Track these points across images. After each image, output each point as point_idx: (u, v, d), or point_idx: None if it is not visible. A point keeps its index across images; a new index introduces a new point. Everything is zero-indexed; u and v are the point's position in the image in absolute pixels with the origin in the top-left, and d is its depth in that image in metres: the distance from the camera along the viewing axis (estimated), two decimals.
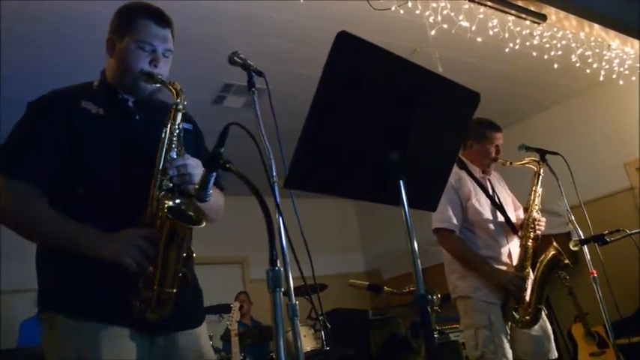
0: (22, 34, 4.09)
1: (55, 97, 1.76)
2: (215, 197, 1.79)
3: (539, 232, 3.10)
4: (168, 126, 1.71)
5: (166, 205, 1.58)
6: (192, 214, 1.61)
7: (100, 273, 1.59)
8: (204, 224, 1.62)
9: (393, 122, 1.48)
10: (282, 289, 1.24)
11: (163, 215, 1.58)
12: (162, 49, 1.80)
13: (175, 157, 1.69)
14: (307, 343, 4.72)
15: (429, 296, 3.15)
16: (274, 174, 1.67)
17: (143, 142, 1.73)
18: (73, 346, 1.58)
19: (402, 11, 4.09)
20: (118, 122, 1.78)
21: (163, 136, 1.70)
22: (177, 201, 1.62)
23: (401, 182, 1.45)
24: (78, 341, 1.58)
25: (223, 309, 5.12)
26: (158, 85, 1.78)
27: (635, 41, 5.19)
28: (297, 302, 1.51)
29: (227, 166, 1.50)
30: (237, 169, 1.48)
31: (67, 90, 1.80)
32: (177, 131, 1.73)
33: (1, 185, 1.65)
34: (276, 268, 1.22)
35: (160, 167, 1.66)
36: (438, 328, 5.03)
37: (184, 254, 1.65)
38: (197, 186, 1.59)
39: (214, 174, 1.56)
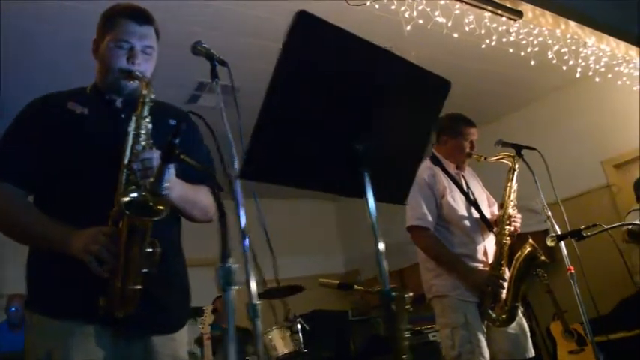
0: (24, 34, 4.00)
1: (41, 101, 1.83)
2: (190, 193, 1.81)
3: (515, 228, 3.05)
4: (134, 119, 1.70)
5: (122, 201, 1.54)
6: (151, 204, 1.56)
7: (70, 272, 1.60)
8: (163, 215, 1.55)
9: (358, 110, 1.40)
10: (236, 287, 1.15)
11: (122, 210, 1.54)
12: (141, 46, 1.80)
13: (141, 150, 1.67)
14: (284, 345, 4.63)
15: (400, 294, 3.08)
16: (236, 168, 1.59)
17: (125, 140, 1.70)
18: (44, 344, 1.61)
19: (377, 6, 4.03)
20: (102, 121, 1.79)
21: (129, 129, 1.68)
22: (134, 195, 1.57)
23: (366, 174, 1.37)
24: (48, 339, 1.61)
25: (196, 312, 5.02)
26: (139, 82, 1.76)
27: (611, 39, 5.21)
28: (259, 302, 1.42)
29: (181, 157, 1.42)
30: (192, 161, 1.41)
31: (58, 93, 1.86)
32: (145, 124, 1.70)
33: None
34: (227, 265, 1.13)
35: (126, 161, 1.65)
36: (416, 328, 4.99)
37: (148, 249, 1.60)
38: (152, 179, 1.53)
39: (170, 166, 1.52)
